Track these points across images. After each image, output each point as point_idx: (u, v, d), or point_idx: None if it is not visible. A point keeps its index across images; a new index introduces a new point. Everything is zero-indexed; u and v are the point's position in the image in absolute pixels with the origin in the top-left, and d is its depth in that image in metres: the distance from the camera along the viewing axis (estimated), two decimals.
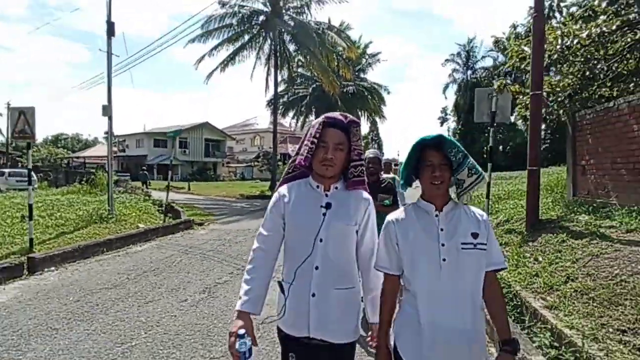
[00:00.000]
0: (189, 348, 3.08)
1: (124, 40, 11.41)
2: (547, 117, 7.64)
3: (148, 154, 41.01)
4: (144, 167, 28.09)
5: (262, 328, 3.36)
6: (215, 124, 45.71)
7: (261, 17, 19.65)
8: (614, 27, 6.16)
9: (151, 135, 42.22)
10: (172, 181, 11.50)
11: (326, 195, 1.54)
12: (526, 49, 6.51)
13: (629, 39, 6.54)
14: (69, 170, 26.07)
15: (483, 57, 38.35)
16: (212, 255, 6.50)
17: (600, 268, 3.58)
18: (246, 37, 19.58)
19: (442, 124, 41.63)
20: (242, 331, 1.30)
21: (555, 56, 6.41)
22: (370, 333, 1.58)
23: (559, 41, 6.17)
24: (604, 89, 6.72)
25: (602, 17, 6.16)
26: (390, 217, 1.49)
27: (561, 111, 6.84)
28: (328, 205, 1.50)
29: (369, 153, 3.53)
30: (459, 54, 39.12)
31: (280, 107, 25.99)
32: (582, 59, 6.67)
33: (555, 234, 4.74)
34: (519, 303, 3.61)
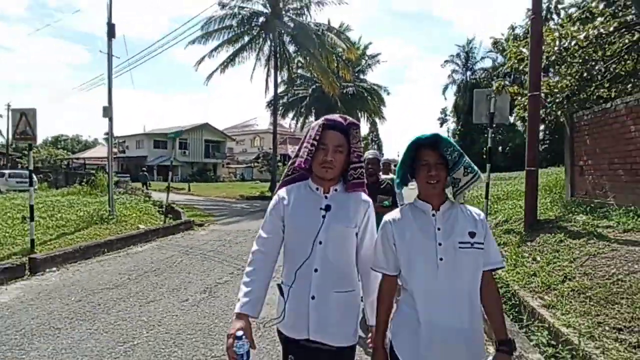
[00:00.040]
0: (191, 347, 3.11)
1: (124, 42, 11.45)
2: (546, 118, 7.69)
3: (148, 155, 41.06)
4: (144, 168, 28.12)
5: (263, 327, 3.39)
6: (215, 125, 45.82)
7: (261, 19, 19.72)
8: (611, 29, 6.21)
9: (151, 137, 42.27)
10: (172, 182, 11.52)
11: (325, 197, 1.53)
12: (524, 50, 6.56)
13: (626, 40, 6.59)
14: (69, 172, 26.11)
15: (482, 58, 38.47)
16: (213, 255, 6.53)
17: (597, 267, 3.61)
18: (246, 39, 19.64)
19: (441, 124, 41.72)
20: (240, 333, 1.30)
21: (553, 58, 6.46)
22: (370, 335, 1.58)
23: (557, 43, 6.22)
24: (602, 90, 6.77)
25: (600, 19, 6.21)
26: (387, 217, 1.49)
27: (559, 112, 6.89)
28: (327, 208, 1.50)
29: (368, 154, 3.56)
30: (458, 55, 39.21)
31: (280, 108, 26.04)
32: (580, 61, 6.72)
33: (553, 234, 4.78)
34: (517, 302, 3.64)
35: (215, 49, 19.23)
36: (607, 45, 6.67)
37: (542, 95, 6.54)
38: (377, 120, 30.13)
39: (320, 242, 1.47)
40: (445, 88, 39.59)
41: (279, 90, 22.70)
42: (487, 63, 36.97)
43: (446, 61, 39.39)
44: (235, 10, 19.19)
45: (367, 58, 30.08)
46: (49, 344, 3.15)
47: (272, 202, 1.59)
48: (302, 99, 27.08)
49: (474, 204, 8.91)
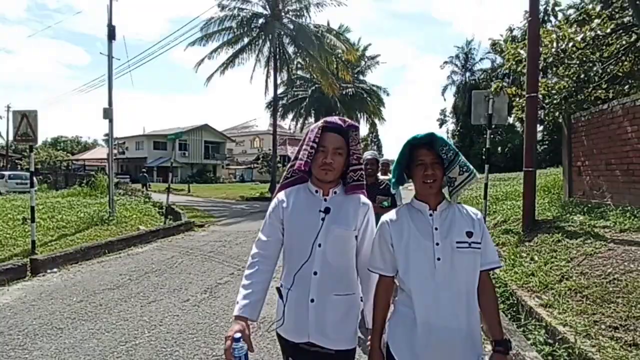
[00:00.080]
0: (192, 346, 3.15)
1: (124, 44, 11.51)
2: (544, 119, 7.74)
3: (148, 156, 41.10)
4: (144, 170, 28.17)
5: (263, 327, 3.43)
6: (214, 126, 45.87)
7: (260, 20, 19.78)
8: (608, 30, 6.27)
9: (151, 138, 42.33)
10: (171, 183, 11.55)
11: (325, 200, 1.53)
12: (522, 52, 6.61)
13: (624, 42, 6.64)
14: (69, 173, 26.10)
15: (481, 59, 38.59)
16: (213, 256, 6.56)
17: (594, 267, 3.65)
18: (246, 40, 19.70)
19: (441, 125, 41.78)
20: (238, 335, 1.29)
21: (551, 59, 6.52)
22: (369, 337, 1.55)
23: (554, 44, 6.28)
24: (599, 91, 6.82)
25: (597, 21, 6.26)
26: (384, 217, 1.47)
27: (557, 113, 6.94)
28: (327, 210, 1.49)
29: (367, 154, 3.59)
30: (457, 56, 39.33)
31: (280, 109, 26.09)
32: (578, 62, 6.76)
33: (550, 234, 4.82)
34: (515, 302, 3.68)
35: (215, 50, 19.30)
36: (604, 47, 6.72)
37: (540, 96, 6.59)
38: (376, 121, 30.17)
39: (320, 245, 1.46)
40: (445, 89, 39.74)
41: (279, 91, 22.76)
42: (486, 64, 37.09)
43: (445, 62, 39.55)
44: (235, 11, 19.27)
45: (366, 59, 30.14)
46: (52, 343, 3.18)
47: (272, 205, 1.59)
48: (301, 100, 27.15)
49: (473, 204, 8.94)
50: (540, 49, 6.26)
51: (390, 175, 4.69)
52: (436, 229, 1.38)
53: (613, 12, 6.71)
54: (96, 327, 3.50)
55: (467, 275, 1.36)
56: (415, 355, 1.36)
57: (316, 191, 1.54)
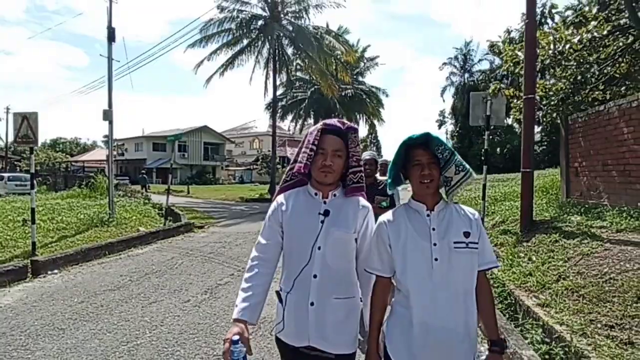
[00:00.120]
0: (193, 346, 3.18)
1: (124, 46, 11.55)
2: (542, 120, 7.79)
3: (147, 157, 41.13)
4: (143, 171, 28.19)
5: (263, 327, 3.46)
6: (214, 128, 45.90)
7: (260, 22, 19.85)
8: (604, 32, 6.33)
9: (150, 139, 42.35)
10: (171, 185, 11.58)
11: (324, 202, 1.52)
12: (519, 54, 6.66)
13: (621, 43, 6.70)
14: (68, 174, 26.12)
15: (480, 60, 38.64)
16: (213, 257, 6.59)
17: (590, 267, 3.69)
18: (245, 42, 19.77)
19: (440, 126, 41.84)
20: (236, 337, 1.28)
21: (548, 61, 6.57)
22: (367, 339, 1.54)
23: (552, 46, 6.33)
24: (596, 92, 6.87)
25: (593, 23, 6.31)
26: (382, 218, 1.47)
27: (555, 114, 6.99)
28: (326, 213, 1.48)
29: (365, 155, 3.62)
30: (456, 57, 39.42)
31: (279, 110, 26.14)
32: (575, 63, 6.82)
33: (548, 235, 4.86)
34: (513, 301, 3.72)
35: (215, 51, 19.38)
36: (601, 48, 6.78)
37: (538, 97, 6.64)
38: (375, 122, 30.22)
39: (319, 248, 1.46)
40: (444, 90, 39.81)
41: (278, 92, 22.83)
42: (485, 65, 37.13)
43: (444, 63, 39.64)
44: (234, 13, 19.33)
45: (365, 60, 30.19)
46: (54, 344, 3.21)
47: (271, 208, 1.59)
48: (300, 101, 27.21)
49: (472, 205, 8.97)
50: (538, 51, 6.32)
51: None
52: (433, 229, 1.38)
53: (609, 15, 6.76)
54: (98, 328, 3.53)
55: (464, 276, 1.36)
56: (412, 356, 1.36)
57: (315, 194, 1.54)
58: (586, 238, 4.33)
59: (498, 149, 33.92)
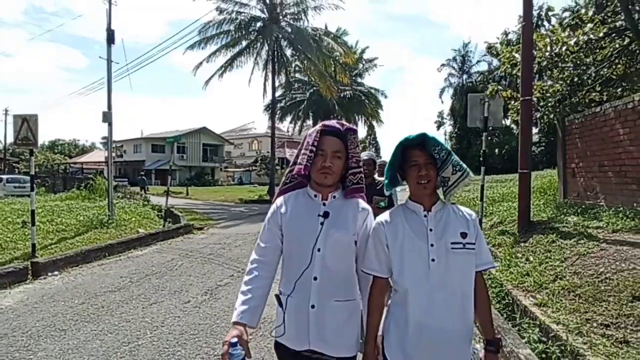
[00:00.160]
0: (194, 346, 3.21)
1: (123, 47, 11.59)
2: (539, 121, 7.85)
3: (146, 159, 41.11)
4: (142, 173, 28.18)
5: (263, 327, 3.49)
6: (213, 129, 45.91)
7: (259, 24, 19.91)
8: (601, 34, 6.39)
9: (149, 141, 42.36)
10: (170, 186, 11.60)
11: (324, 204, 1.51)
12: (517, 55, 6.71)
13: (617, 45, 6.76)
14: (67, 176, 26.07)
15: (478, 61, 38.69)
16: (213, 258, 6.62)
17: (586, 266, 3.73)
18: (244, 43, 19.82)
19: (438, 127, 41.89)
20: (234, 340, 1.28)
21: (545, 63, 6.62)
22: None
23: (548, 48, 6.39)
24: (594, 94, 6.93)
25: (589, 25, 6.38)
26: (379, 218, 1.48)
27: (552, 116, 7.04)
28: (325, 215, 1.48)
29: (363, 155, 3.64)
30: (454, 58, 39.48)
31: (278, 111, 26.20)
32: (572, 65, 6.88)
33: (545, 235, 4.90)
34: (511, 301, 3.76)
35: (214, 53, 19.42)
36: (598, 50, 6.84)
37: (535, 99, 6.69)
38: (374, 123, 30.31)
39: (319, 250, 1.45)
40: (442, 91, 39.85)
41: (277, 94, 22.90)
42: (483, 66, 37.19)
43: (442, 65, 39.65)
44: (233, 15, 19.39)
45: (364, 62, 30.27)
46: (56, 344, 3.23)
47: (270, 211, 1.58)
48: (299, 102, 27.28)
49: (470, 206, 9.03)
50: (535, 53, 6.37)
51: None
52: (431, 230, 1.39)
53: (605, 17, 6.83)
54: (99, 329, 3.56)
55: (462, 276, 1.37)
56: (407, 356, 1.36)
57: (315, 195, 1.53)
58: (583, 238, 4.38)
59: (497, 150, 33.99)
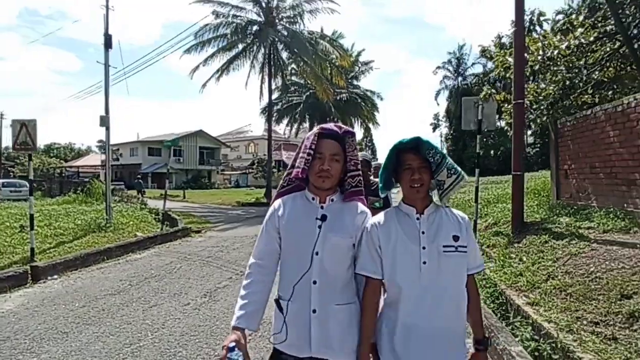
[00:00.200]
0: (194, 347, 3.27)
1: (119, 51, 11.65)
2: (533, 123, 7.98)
3: (142, 162, 41.01)
4: (139, 176, 28.08)
5: (262, 328, 3.55)
6: (209, 132, 45.90)
7: (255, 27, 20.01)
8: (591, 39, 6.53)
9: (145, 144, 42.27)
10: (167, 189, 11.63)
11: (321, 207, 1.50)
12: (510, 59, 6.84)
13: (608, 48, 6.91)
14: (63, 180, 26.02)
15: (473, 64, 39.13)
16: (211, 261, 6.67)
17: (578, 266, 3.83)
18: (240, 47, 19.93)
19: (434, 129, 42.29)
20: (232, 344, 1.29)
21: (537, 66, 6.75)
22: None
23: (541, 52, 6.52)
24: (585, 96, 7.07)
25: (580, 30, 6.52)
26: (372, 220, 1.48)
27: (544, 118, 7.17)
28: (323, 218, 1.47)
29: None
30: (449, 61, 39.88)
31: (275, 114, 26.25)
32: (564, 68, 7.02)
33: (538, 236, 5.01)
34: (504, 301, 3.84)
35: (210, 57, 19.53)
36: (589, 53, 6.99)
37: (528, 102, 6.82)
38: (370, 125, 30.47)
39: (317, 253, 1.44)
40: (438, 93, 40.21)
41: (273, 96, 22.95)
42: (478, 69, 37.60)
43: (438, 67, 40.05)
44: (230, 18, 19.50)
45: (360, 64, 30.49)
46: (59, 347, 3.28)
47: (268, 214, 1.57)
48: (296, 105, 27.37)
49: (465, 207, 9.15)
50: (527, 57, 6.50)
51: None
52: (423, 232, 1.40)
53: (596, 22, 6.98)
54: (100, 331, 3.61)
55: (453, 279, 1.38)
56: (395, 355, 1.38)
57: (313, 198, 1.52)
58: (574, 239, 4.48)
59: (492, 152, 34.30)
